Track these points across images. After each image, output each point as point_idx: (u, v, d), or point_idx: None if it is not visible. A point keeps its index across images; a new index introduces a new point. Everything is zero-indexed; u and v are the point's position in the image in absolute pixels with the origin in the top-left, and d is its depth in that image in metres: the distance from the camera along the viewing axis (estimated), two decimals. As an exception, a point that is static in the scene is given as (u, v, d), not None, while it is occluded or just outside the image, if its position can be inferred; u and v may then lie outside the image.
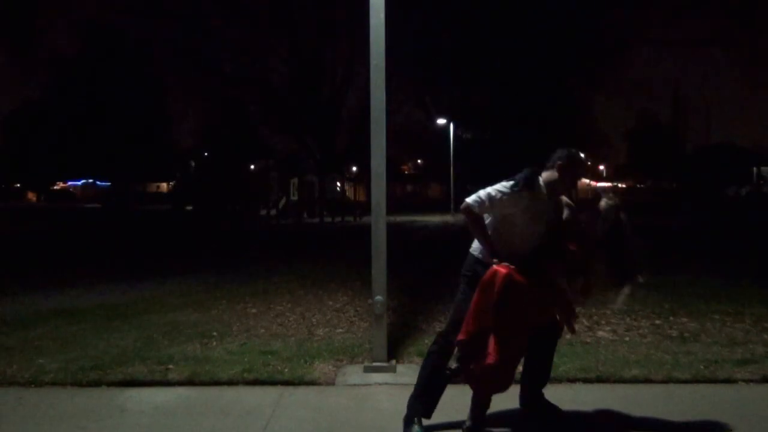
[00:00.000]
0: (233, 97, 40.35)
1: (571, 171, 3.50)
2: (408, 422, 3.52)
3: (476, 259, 3.52)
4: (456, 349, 3.38)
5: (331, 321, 6.38)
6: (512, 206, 3.37)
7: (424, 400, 3.54)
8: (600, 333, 5.73)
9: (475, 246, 3.56)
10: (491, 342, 3.25)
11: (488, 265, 3.40)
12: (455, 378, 3.44)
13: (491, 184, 3.49)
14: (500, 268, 3.25)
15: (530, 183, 3.40)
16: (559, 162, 3.48)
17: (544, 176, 3.50)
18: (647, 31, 33.90)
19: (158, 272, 10.23)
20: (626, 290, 3.67)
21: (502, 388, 3.39)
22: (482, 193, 3.39)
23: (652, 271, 3.84)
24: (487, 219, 3.49)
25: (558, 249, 3.45)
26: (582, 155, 3.57)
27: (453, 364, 3.40)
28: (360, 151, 34.40)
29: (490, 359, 3.22)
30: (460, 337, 3.33)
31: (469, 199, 3.40)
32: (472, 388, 3.45)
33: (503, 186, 3.39)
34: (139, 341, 5.50)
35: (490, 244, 3.37)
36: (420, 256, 12.94)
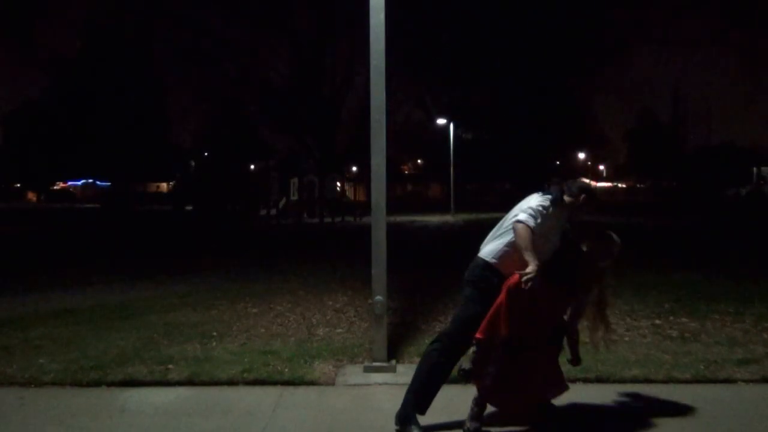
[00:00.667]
0: (233, 97, 40.37)
1: (592, 203, 3.66)
2: (402, 419, 3.52)
3: (486, 264, 3.53)
4: (472, 349, 3.39)
5: (331, 321, 6.38)
6: (549, 220, 3.47)
7: (419, 396, 3.54)
8: (600, 333, 5.72)
9: (486, 251, 3.57)
10: (506, 350, 3.29)
11: (496, 271, 3.45)
12: (466, 379, 3.44)
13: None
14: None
15: (562, 202, 3.53)
16: (584, 195, 3.60)
17: (570, 202, 3.59)
18: (647, 31, 33.90)
19: (158, 272, 10.22)
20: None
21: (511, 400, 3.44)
22: (531, 211, 3.42)
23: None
24: (510, 234, 3.50)
25: (570, 263, 3.52)
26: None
27: (466, 365, 3.40)
28: (360, 151, 34.39)
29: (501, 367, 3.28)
30: (478, 335, 3.34)
31: (523, 217, 3.39)
32: (478, 389, 3.45)
33: (544, 200, 3.48)
34: (139, 341, 5.49)
35: (534, 259, 3.33)
36: (420, 256, 12.93)
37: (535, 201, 3.48)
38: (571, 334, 3.68)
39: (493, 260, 3.51)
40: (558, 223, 3.53)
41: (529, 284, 3.22)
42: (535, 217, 3.40)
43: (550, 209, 3.45)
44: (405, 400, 3.58)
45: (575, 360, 3.73)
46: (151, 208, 42.90)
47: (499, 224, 3.65)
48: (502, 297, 3.31)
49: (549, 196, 3.50)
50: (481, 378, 3.40)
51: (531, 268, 3.25)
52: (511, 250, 3.46)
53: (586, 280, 3.56)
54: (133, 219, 30.37)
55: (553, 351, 3.58)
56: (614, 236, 3.62)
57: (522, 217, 3.40)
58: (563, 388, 3.55)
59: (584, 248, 3.57)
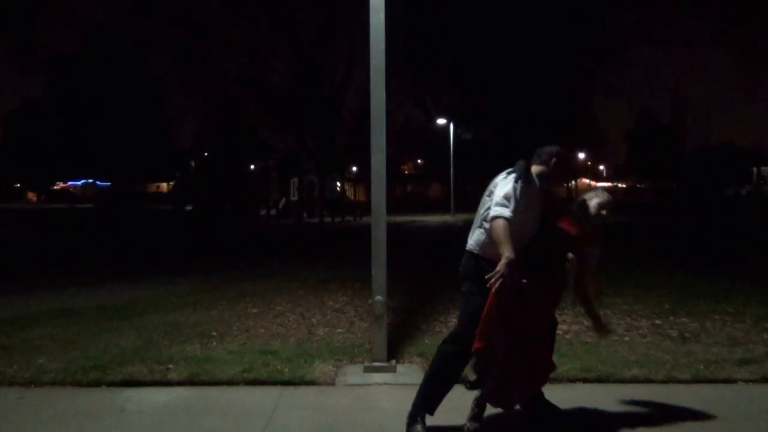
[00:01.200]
0: (233, 97, 40.41)
1: (565, 167, 3.57)
2: (409, 419, 3.51)
3: (473, 255, 3.50)
4: (473, 360, 3.37)
5: (331, 321, 6.37)
6: (524, 197, 3.36)
7: (428, 397, 3.52)
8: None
9: (471, 242, 3.52)
10: (507, 350, 3.27)
11: (485, 260, 3.39)
12: (474, 389, 3.43)
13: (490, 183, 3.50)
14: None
15: (528, 175, 3.43)
16: (554, 159, 3.52)
17: (535, 170, 3.51)
18: (647, 31, 33.91)
19: (158, 272, 10.23)
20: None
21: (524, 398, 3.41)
22: (502, 200, 3.30)
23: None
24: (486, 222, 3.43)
25: (552, 235, 3.44)
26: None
27: (472, 377, 3.38)
28: (360, 151, 34.46)
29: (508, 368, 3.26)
30: (477, 345, 3.32)
31: (497, 211, 3.27)
32: (480, 390, 3.44)
33: (510, 180, 3.37)
34: (139, 341, 5.49)
35: (510, 254, 3.22)
36: (420, 256, 12.93)
37: (502, 187, 3.36)
38: (581, 296, 3.57)
39: (478, 250, 3.47)
40: (535, 198, 3.43)
41: (497, 284, 3.12)
42: (507, 206, 3.28)
43: (520, 187, 3.34)
44: (414, 400, 3.56)
45: (600, 326, 3.63)
46: (150, 208, 42.84)
47: (477, 212, 3.59)
48: (489, 303, 3.27)
49: (514, 174, 3.38)
50: (483, 380, 3.39)
51: (502, 263, 3.14)
52: (490, 238, 3.41)
53: (579, 242, 3.45)
54: (130, 219, 30.25)
55: (550, 343, 3.58)
56: (591, 200, 3.51)
57: (495, 211, 3.29)
58: (553, 368, 3.54)
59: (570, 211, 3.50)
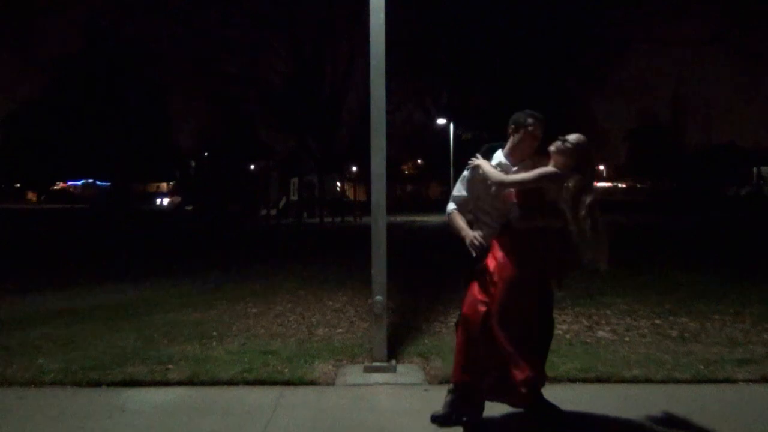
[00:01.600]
0: (233, 97, 40.41)
1: (522, 128, 3.45)
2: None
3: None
4: (447, 393, 3.35)
5: (331, 321, 6.37)
6: (480, 185, 3.44)
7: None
8: (600, 333, 5.73)
9: None
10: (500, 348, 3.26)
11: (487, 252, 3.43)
12: (444, 425, 3.39)
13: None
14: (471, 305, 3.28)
15: (485, 158, 3.51)
16: (512, 126, 3.50)
17: (507, 146, 3.53)
18: (647, 31, 33.92)
19: (157, 272, 10.23)
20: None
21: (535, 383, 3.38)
22: (452, 193, 3.59)
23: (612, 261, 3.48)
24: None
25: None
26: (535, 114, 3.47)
27: (443, 410, 3.36)
28: (360, 151, 34.45)
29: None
30: (454, 379, 3.30)
31: (447, 208, 3.59)
32: (487, 393, 3.42)
33: (465, 171, 3.55)
34: (139, 341, 5.49)
35: (464, 229, 3.45)
36: (420, 255, 12.93)
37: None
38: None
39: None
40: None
41: (476, 243, 3.30)
42: (455, 198, 3.56)
43: (467, 176, 3.50)
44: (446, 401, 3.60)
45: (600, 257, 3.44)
46: (150, 208, 42.77)
47: None
48: (460, 336, 3.29)
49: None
50: (481, 382, 3.37)
51: (466, 239, 3.36)
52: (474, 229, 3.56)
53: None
54: (124, 220, 30.02)
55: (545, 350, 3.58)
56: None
57: (447, 208, 3.59)
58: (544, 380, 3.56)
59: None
